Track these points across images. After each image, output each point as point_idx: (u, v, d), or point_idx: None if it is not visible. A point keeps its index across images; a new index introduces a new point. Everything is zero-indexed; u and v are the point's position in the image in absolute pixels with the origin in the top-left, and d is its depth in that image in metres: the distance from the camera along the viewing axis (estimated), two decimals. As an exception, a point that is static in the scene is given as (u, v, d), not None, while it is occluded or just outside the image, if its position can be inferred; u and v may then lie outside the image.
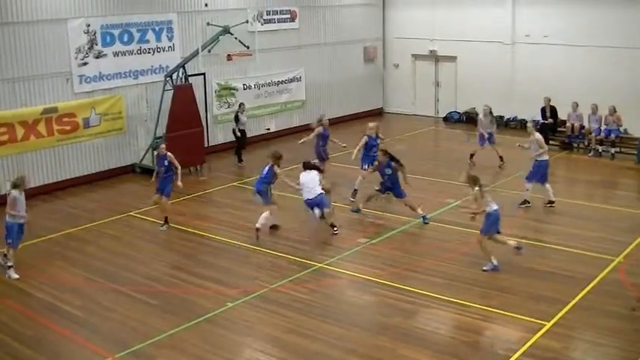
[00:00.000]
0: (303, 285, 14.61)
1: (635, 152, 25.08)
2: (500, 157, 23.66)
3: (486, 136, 24.01)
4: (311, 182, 17.21)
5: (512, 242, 15.27)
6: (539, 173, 19.22)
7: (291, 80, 29.84)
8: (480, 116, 24.75)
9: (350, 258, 16.07)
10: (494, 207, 15.13)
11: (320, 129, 21.60)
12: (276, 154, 17.65)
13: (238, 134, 25.11)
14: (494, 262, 15.05)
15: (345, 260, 15.92)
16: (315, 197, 17.19)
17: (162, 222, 18.45)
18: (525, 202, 19.40)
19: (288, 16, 29.31)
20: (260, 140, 27.71)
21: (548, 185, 19.28)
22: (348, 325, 12.90)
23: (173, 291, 14.46)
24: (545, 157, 19.21)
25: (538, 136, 19.35)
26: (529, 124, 20.14)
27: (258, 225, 17.08)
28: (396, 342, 12.23)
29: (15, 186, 15.36)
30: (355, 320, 13.13)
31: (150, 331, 12.69)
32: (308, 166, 17.72)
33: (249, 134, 26.13)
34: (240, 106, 25.53)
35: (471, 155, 24.12)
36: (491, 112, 24.47)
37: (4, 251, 15.48)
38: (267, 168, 17.42)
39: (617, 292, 13.97)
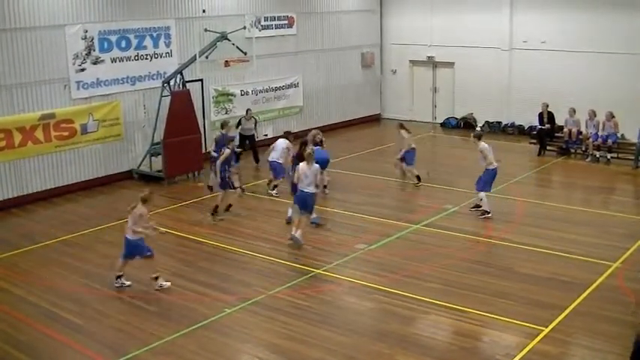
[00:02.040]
0: (301, 291, 14.60)
1: (633, 158, 25.11)
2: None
3: None
4: (311, 176, 17.13)
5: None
6: (486, 182, 19.24)
7: (289, 86, 29.84)
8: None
9: (348, 264, 16.06)
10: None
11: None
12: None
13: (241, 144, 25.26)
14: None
15: (344, 266, 15.90)
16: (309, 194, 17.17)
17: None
18: (478, 208, 19.41)
19: (286, 22, 29.33)
20: (258, 147, 27.60)
21: (483, 194, 19.23)
22: (347, 331, 12.89)
23: (171, 297, 14.44)
24: (493, 167, 19.15)
25: (482, 146, 19.31)
26: (472, 136, 20.14)
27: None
28: (394, 348, 12.22)
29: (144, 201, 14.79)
30: (354, 326, 13.12)
31: (147, 337, 12.66)
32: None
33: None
34: (247, 112, 25.65)
35: None
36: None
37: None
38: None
39: (615, 298, 13.98)
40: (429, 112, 33.89)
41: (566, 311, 13.35)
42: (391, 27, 34.39)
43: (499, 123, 31.36)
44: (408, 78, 34.33)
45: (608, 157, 25.49)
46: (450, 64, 32.69)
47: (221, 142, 20.10)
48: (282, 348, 12.33)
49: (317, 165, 17.24)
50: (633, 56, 27.06)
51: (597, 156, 25.84)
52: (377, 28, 34.40)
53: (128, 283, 14.90)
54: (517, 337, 12.44)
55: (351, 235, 18.00)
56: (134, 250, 14.65)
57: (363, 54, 33.61)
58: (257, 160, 25.63)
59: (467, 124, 32.18)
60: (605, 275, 15.05)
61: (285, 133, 22.33)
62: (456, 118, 32.70)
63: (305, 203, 17.10)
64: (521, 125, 30.58)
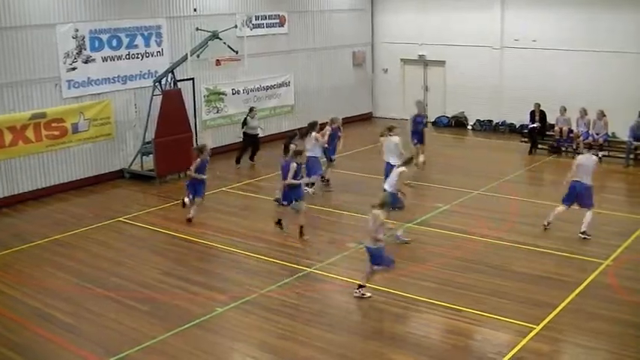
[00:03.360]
0: (293, 290, 14.61)
1: (623, 156, 25.21)
2: None
3: None
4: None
5: None
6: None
7: (280, 85, 29.84)
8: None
9: (340, 262, 16.08)
10: None
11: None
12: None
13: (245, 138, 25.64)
14: None
15: (335, 265, 15.92)
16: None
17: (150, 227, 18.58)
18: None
19: (277, 21, 29.32)
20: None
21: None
22: (339, 330, 12.91)
23: (163, 297, 14.43)
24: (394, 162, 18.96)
25: (394, 140, 19.58)
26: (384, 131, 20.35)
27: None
28: (387, 347, 12.24)
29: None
30: (346, 325, 13.14)
31: (140, 336, 12.65)
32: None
33: (237, 139, 26.22)
34: (250, 110, 25.63)
35: None
36: None
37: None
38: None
39: (607, 296, 14.03)
40: (420, 110, 33.85)
41: (558, 309, 13.39)
42: (382, 25, 34.42)
43: (490, 121, 31.43)
44: (400, 77, 34.37)
45: (599, 155, 25.53)
46: (442, 63, 32.73)
47: (201, 169, 19.43)
48: (275, 347, 12.33)
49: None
50: (624, 55, 27.15)
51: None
52: (368, 27, 34.43)
53: (368, 294, 14.16)
54: (509, 336, 12.47)
55: (342, 234, 18.01)
56: (377, 259, 13.99)
57: (354, 53, 33.64)
58: (252, 158, 25.67)
59: (458, 123, 32.25)
60: (596, 273, 15.11)
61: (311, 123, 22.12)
62: (448, 117, 32.74)
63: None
64: (512, 124, 30.64)
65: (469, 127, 32.14)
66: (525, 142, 27.94)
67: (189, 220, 18.89)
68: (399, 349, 12.15)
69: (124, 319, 13.46)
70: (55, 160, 22.23)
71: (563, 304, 13.60)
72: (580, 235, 17.17)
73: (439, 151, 27.36)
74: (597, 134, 26.00)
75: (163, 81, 23.35)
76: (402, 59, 34.09)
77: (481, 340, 12.59)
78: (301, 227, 17.54)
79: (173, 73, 23.41)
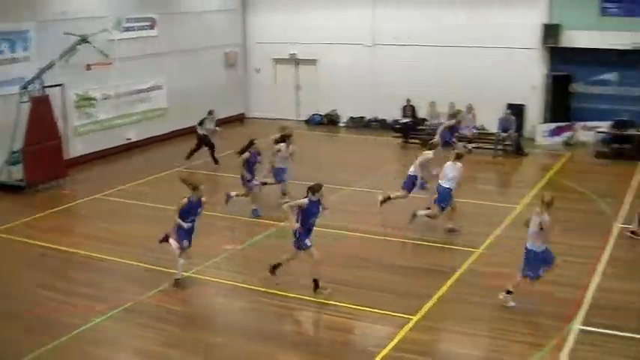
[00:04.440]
0: (172, 295, 14.44)
1: (492, 147, 26.06)
2: None
3: None
4: None
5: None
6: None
7: (152, 88, 29.41)
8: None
9: (218, 265, 15.99)
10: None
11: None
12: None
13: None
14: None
15: (214, 268, 15.82)
16: None
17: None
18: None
19: (148, 23, 28.88)
20: (122, 150, 27.22)
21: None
22: (222, 333, 12.89)
23: (38, 310, 13.97)
24: None
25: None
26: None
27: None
28: (271, 347, 12.30)
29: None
30: (228, 328, 13.13)
31: (15, 352, 12.20)
32: None
33: (109, 144, 25.78)
34: (210, 112, 25.33)
35: None
36: None
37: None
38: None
39: (481, 283, 14.52)
40: (293, 109, 34.05)
41: (435, 299, 13.75)
42: (254, 26, 34.36)
43: (362, 118, 31.90)
44: (272, 76, 34.43)
45: (469, 147, 26.29)
46: (313, 61, 33.00)
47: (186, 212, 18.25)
48: (158, 354, 12.19)
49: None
50: (492, 50, 28.12)
51: (460, 147, 26.67)
52: (240, 27, 34.33)
53: (513, 304, 13.56)
54: (388, 328, 12.72)
55: (220, 236, 17.92)
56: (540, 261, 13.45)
57: (226, 53, 33.48)
58: (216, 161, 25.09)
59: (331, 121, 32.61)
60: (469, 261, 15.59)
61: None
62: (321, 115, 33.01)
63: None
64: (384, 119, 31.17)
65: (342, 124, 32.53)
66: (398, 137, 28.50)
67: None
68: (284, 349, 12.23)
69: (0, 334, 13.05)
70: None
71: (439, 294, 13.98)
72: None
73: (312, 149, 27.56)
74: (466, 127, 26.74)
75: (31, 87, 22.63)
76: (274, 59, 34.16)
77: (361, 334, 12.82)
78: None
79: (41, 79, 22.74)
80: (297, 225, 13.94)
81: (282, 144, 19.95)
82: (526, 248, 13.36)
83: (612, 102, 27.80)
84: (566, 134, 28.23)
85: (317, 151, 27.30)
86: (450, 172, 17.39)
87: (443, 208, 17.54)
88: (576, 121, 28.24)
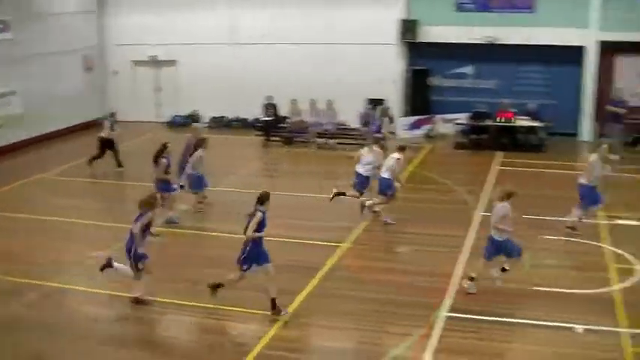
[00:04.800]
0: (33, 305, 13.80)
1: (354, 142, 26.32)
2: None
3: None
4: None
5: None
6: None
7: (6, 94, 28.16)
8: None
9: (83, 273, 15.36)
10: None
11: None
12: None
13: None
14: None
15: (76, 275, 15.19)
16: None
17: None
18: None
19: (1, 26, 27.64)
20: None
21: None
22: (85, 340, 12.38)
23: None
24: None
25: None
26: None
27: None
28: (138, 352, 11.99)
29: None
30: (96, 335, 12.60)
31: None
32: None
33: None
34: (111, 114, 24.62)
35: None
36: None
37: None
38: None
39: (349, 277, 14.59)
40: (153, 111, 33.41)
41: (304, 295, 13.69)
42: (112, 27, 33.38)
43: (223, 118, 31.66)
44: (131, 78, 33.65)
45: (331, 143, 26.47)
46: (173, 62, 32.50)
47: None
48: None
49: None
50: (351, 46, 28.47)
51: (321, 143, 26.83)
52: (97, 30, 33.28)
53: (474, 290, 13.79)
54: (259, 326, 12.57)
55: (82, 244, 17.29)
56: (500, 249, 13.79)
57: (84, 57, 32.49)
58: (120, 164, 23.99)
59: (193, 121, 32.17)
60: (336, 256, 15.59)
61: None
62: (182, 116, 32.52)
63: None
64: (245, 119, 31.02)
65: (203, 124, 32.17)
66: (260, 135, 28.43)
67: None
68: (153, 354, 11.93)
69: None
70: None
71: (308, 290, 13.92)
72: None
73: (174, 151, 27.03)
74: (329, 123, 26.94)
75: None
76: (133, 61, 33.41)
77: (232, 334, 12.64)
78: None
79: None
80: (262, 234, 12.88)
81: (199, 150, 19.10)
82: (490, 237, 13.80)
83: (469, 94, 28.66)
84: (427, 127, 28.84)
85: (179, 152, 26.67)
86: (390, 161, 17.94)
87: (390, 195, 17.96)
88: (436, 113, 28.93)
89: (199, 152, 18.92)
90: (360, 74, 28.30)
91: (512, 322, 12.73)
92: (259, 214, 12.63)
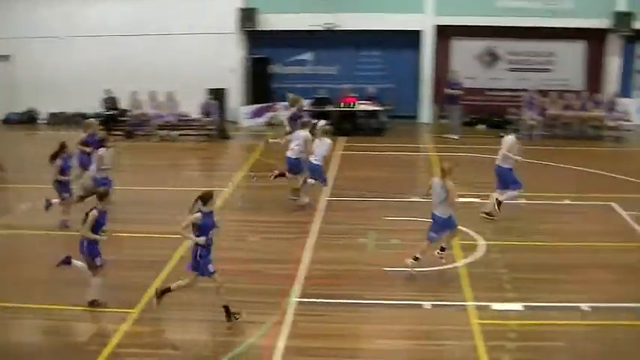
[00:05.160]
0: None
1: (195, 133, 26.11)
2: None
3: None
4: None
5: None
6: None
7: None
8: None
9: None
10: None
11: None
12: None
13: None
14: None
15: None
16: None
17: None
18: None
19: None
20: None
21: None
22: None
23: None
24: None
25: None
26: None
27: None
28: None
29: None
30: None
31: None
32: None
33: None
34: None
35: None
36: None
37: None
38: None
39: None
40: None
41: (152, 289, 13.39)
42: None
43: (63, 113, 30.71)
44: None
45: (173, 134, 26.19)
46: (6, 57, 31.14)
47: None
48: None
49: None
50: (190, 36, 28.15)
51: (164, 135, 26.51)
52: None
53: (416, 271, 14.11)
54: (109, 325, 12.22)
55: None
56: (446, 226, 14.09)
57: None
58: (2, 168, 22.24)
59: (30, 118, 31.12)
60: (183, 248, 15.30)
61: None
62: (18, 113, 31.30)
63: None
64: (84, 113, 30.14)
65: (41, 121, 31.13)
66: (100, 130, 27.67)
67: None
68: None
69: None
70: None
71: (157, 284, 13.62)
72: None
73: (12, 150, 26.01)
74: (169, 114, 26.61)
75: None
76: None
77: (81, 335, 12.22)
78: None
79: None
80: (202, 239, 12.02)
81: (102, 149, 17.87)
82: (433, 214, 13.98)
83: (310, 81, 28.98)
84: (268, 115, 28.93)
85: (17, 151, 25.65)
86: (319, 148, 18.18)
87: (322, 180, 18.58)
88: (277, 101, 29.02)
89: (101, 152, 17.85)
90: (200, 64, 28.09)
91: (363, 303, 12.93)
92: (198, 215, 11.92)
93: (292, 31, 28.33)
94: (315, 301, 12.87)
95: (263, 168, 21.73)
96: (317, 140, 18.40)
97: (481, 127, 29.19)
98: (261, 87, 29.19)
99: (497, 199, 17.38)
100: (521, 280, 13.94)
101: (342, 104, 27.27)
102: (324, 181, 18.80)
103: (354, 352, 11.61)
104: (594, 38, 29.80)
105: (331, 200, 18.59)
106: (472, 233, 16.37)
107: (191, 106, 27.22)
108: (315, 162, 18.19)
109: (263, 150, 23.67)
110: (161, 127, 26.69)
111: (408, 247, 15.43)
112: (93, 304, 12.78)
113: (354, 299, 12.95)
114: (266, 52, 29.39)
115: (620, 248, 15.76)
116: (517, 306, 12.82)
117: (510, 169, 17.36)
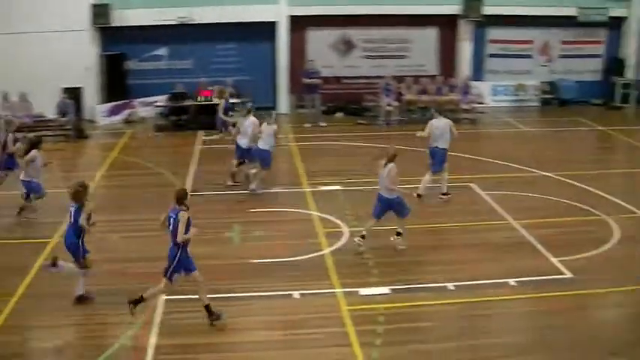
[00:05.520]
0: None
1: (52, 134, 25.39)
2: None
3: None
4: None
5: None
6: None
7: None
8: None
9: None
10: None
11: None
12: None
13: None
14: None
15: None
16: None
17: None
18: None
19: None
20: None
21: None
22: None
23: None
24: None
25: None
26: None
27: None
28: None
29: None
30: None
31: None
32: None
33: None
34: None
35: None
36: None
37: None
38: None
39: (60, 274, 13.92)
40: None
41: (16, 297, 13.01)
42: None
43: None
44: None
45: (30, 136, 25.42)
46: None
47: None
48: None
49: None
50: (40, 35, 27.25)
51: (21, 137, 25.71)
52: None
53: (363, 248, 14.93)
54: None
55: None
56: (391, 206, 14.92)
57: None
58: None
59: None
60: (46, 253, 14.92)
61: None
62: None
63: None
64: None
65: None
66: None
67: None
68: None
69: None
70: None
71: (20, 291, 13.28)
72: None
73: None
74: (23, 116, 25.74)
75: None
76: None
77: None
78: None
79: None
80: (190, 233, 11.78)
81: (33, 151, 17.04)
82: (379, 195, 14.85)
83: (166, 76, 28.72)
84: (126, 112, 28.51)
85: None
86: (266, 135, 18.75)
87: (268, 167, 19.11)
88: (134, 98, 28.62)
89: (34, 153, 17.05)
90: (54, 63, 27.16)
91: (233, 296, 13.02)
92: (185, 214, 11.72)
93: (147, 27, 27.95)
94: (183, 298, 12.72)
95: (123, 166, 21.42)
96: (264, 125, 18.85)
97: (339, 114, 29.61)
98: (117, 84, 28.68)
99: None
100: (387, 264, 14.36)
101: (199, 98, 27.19)
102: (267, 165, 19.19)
103: (229, 346, 11.66)
104: (446, 24, 30.92)
105: (193, 195, 18.45)
106: (337, 221, 16.62)
107: (46, 107, 26.42)
108: (263, 148, 18.70)
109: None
110: (17, 130, 25.80)
111: (274, 238, 15.59)
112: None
113: (223, 294, 12.95)
114: (121, 49, 28.88)
115: (481, 228, 16.44)
116: (384, 289, 13.20)
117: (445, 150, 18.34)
